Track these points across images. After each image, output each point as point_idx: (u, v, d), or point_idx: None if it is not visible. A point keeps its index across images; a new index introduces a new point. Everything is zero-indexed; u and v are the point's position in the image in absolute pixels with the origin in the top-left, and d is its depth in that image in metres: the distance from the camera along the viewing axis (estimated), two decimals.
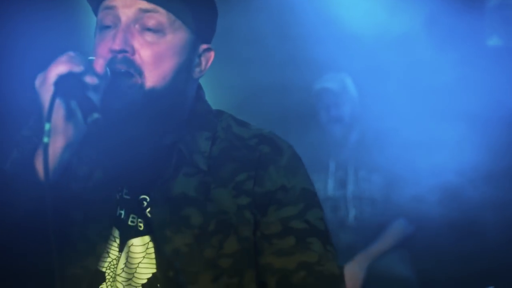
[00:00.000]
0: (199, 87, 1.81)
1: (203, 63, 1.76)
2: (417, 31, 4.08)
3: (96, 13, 1.73)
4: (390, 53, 4.01)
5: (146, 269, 1.69)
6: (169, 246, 1.67)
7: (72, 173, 1.68)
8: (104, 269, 1.69)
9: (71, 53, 1.56)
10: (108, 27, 1.69)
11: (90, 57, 1.60)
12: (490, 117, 3.92)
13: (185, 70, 1.71)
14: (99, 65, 1.58)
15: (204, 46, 1.76)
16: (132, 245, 1.69)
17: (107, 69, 1.60)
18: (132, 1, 1.67)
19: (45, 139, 1.47)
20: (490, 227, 4.09)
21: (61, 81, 1.53)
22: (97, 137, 1.64)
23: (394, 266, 4.01)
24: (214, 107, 1.85)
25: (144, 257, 1.68)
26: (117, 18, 1.67)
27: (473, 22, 4.03)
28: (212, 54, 1.77)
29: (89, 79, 1.55)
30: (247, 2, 4.22)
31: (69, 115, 1.55)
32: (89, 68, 1.56)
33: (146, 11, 1.67)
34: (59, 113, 1.53)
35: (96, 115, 1.48)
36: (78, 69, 1.53)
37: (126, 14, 1.67)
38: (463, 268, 4.00)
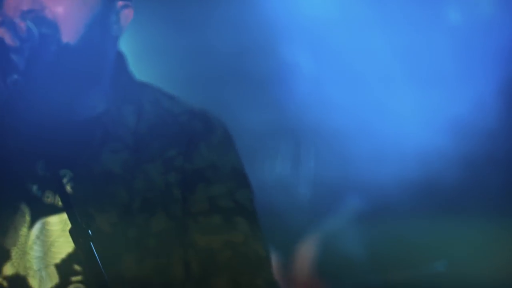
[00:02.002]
0: (123, 57, 1.75)
1: (122, 20, 1.70)
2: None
3: None
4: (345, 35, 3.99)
5: (62, 247, 1.63)
6: (92, 225, 1.61)
7: None
8: (9, 246, 1.63)
9: None
10: None
11: (16, 19, 1.55)
12: (451, 97, 3.92)
13: (100, 24, 1.66)
14: (23, 27, 1.53)
15: (121, 3, 1.70)
16: (47, 222, 1.63)
17: (34, 31, 1.55)
18: None
19: None
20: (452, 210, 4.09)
21: None
22: (14, 102, 1.57)
23: (346, 245, 4.00)
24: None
25: (60, 235, 1.63)
26: None
27: None
28: (131, 11, 1.71)
29: (10, 41, 1.50)
30: None
31: None
32: (13, 29, 1.51)
33: None
34: None
35: (16, 76, 1.44)
36: None
37: None
38: (420, 247, 3.99)
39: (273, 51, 4.11)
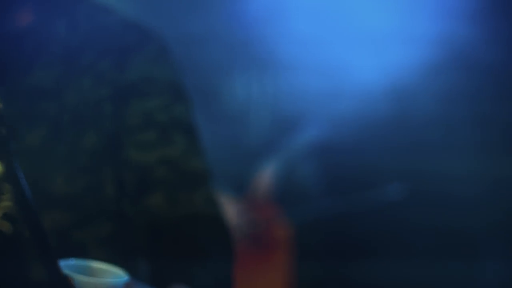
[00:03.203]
0: None
1: None
2: None
3: None
4: None
5: None
6: (21, 142, 1.56)
7: None
8: None
9: None
10: None
11: None
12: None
13: None
14: None
15: None
16: None
17: None
18: None
19: None
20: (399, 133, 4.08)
21: None
22: None
23: (299, 171, 4.00)
24: None
25: None
26: None
27: None
28: None
29: None
30: None
31: None
32: None
33: None
34: None
35: None
36: None
37: None
38: (374, 170, 3.99)
39: None
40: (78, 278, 1.22)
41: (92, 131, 1.58)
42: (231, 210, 3.93)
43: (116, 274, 1.27)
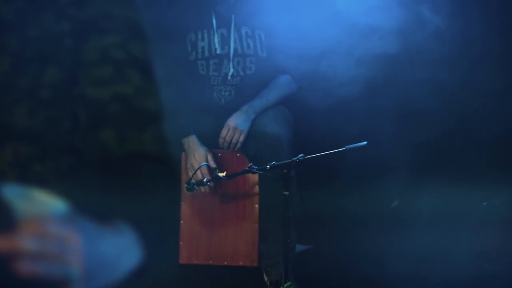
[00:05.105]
0: None
1: None
2: None
3: None
4: None
5: None
6: None
7: None
8: None
9: None
10: None
11: None
12: None
13: None
14: None
15: None
16: None
17: None
18: None
19: None
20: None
21: None
22: None
23: (267, 123, 4.00)
24: None
25: None
26: None
27: None
28: None
29: None
30: None
31: None
32: None
33: None
34: None
35: None
36: None
37: None
38: (341, 128, 4.01)
39: None
40: (17, 202, 1.23)
41: (54, 65, 1.60)
42: (198, 160, 3.95)
43: (55, 205, 1.28)
